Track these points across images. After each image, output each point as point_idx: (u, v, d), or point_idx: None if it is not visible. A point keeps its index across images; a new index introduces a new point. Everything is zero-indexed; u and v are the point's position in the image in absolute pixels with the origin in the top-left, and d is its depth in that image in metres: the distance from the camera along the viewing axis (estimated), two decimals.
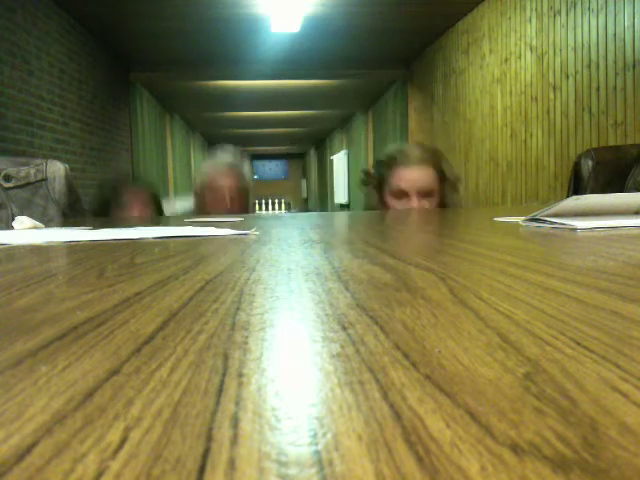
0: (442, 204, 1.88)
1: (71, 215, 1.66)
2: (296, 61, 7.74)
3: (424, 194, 1.82)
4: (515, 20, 5.06)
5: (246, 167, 2.15)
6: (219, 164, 2.11)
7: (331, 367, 0.20)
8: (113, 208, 2.05)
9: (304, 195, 22.24)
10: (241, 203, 2.08)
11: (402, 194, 1.82)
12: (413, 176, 1.82)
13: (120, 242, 0.79)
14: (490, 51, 5.59)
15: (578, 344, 0.22)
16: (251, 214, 2.21)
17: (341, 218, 1.55)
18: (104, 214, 2.03)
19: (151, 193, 2.16)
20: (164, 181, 9.60)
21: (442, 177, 1.86)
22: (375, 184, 1.89)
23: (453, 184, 1.89)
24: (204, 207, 2.08)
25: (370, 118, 11.03)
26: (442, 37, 6.80)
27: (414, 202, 1.80)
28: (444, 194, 1.87)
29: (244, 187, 2.10)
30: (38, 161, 1.66)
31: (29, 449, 0.14)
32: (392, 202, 1.84)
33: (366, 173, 1.95)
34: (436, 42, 6.99)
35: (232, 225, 1.06)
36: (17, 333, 0.26)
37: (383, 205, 1.89)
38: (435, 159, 1.86)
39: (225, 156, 2.13)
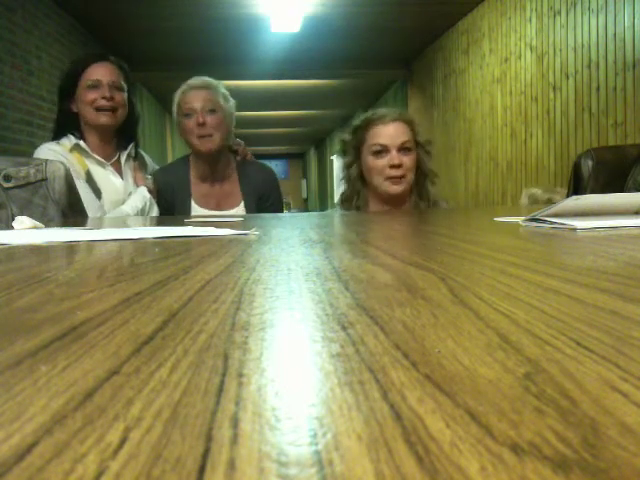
0: (419, 171, 1.88)
1: (71, 215, 1.66)
2: (296, 61, 7.74)
3: (404, 150, 1.83)
4: (515, 20, 5.06)
5: (223, 88, 2.06)
6: (188, 86, 2.04)
7: (331, 367, 0.20)
8: None
9: (304, 195, 22.24)
10: (216, 124, 2.00)
11: (382, 150, 1.83)
12: (391, 131, 1.84)
13: (120, 242, 0.79)
14: (490, 51, 5.60)
15: (578, 344, 0.22)
16: (236, 148, 2.15)
17: (341, 218, 1.56)
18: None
19: None
20: None
21: (416, 141, 1.87)
22: (352, 151, 1.90)
23: (426, 149, 1.91)
24: (185, 135, 2.03)
25: None
26: (442, 37, 6.80)
27: (395, 158, 1.81)
28: (420, 160, 1.88)
29: (219, 107, 2.02)
30: (38, 161, 1.66)
31: (29, 449, 0.14)
32: (373, 163, 1.84)
33: (343, 141, 1.96)
34: (436, 42, 6.99)
35: (232, 225, 1.06)
36: (17, 333, 0.26)
37: (360, 172, 1.89)
38: (409, 119, 1.89)
39: (197, 78, 2.06)
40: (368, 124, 1.87)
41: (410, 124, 1.88)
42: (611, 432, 0.14)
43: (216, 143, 2.01)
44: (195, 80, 2.05)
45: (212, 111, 2.01)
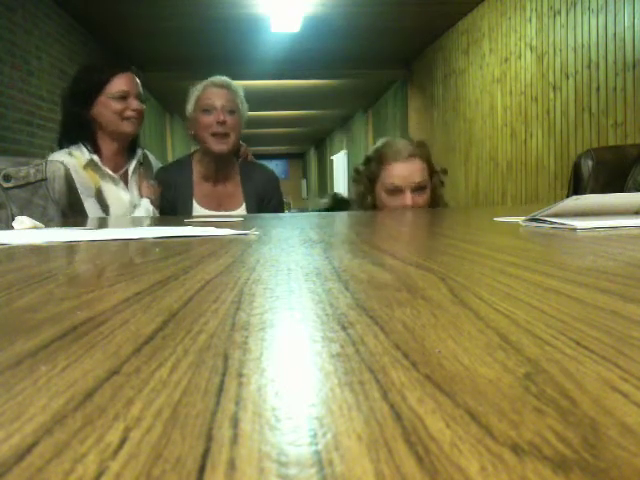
0: (433, 200, 1.88)
1: (71, 215, 1.66)
2: (296, 61, 7.74)
3: (418, 189, 1.83)
4: (515, 20, 5.06)
5: (241, 91, 2.08)
6: (211, 82, 2.05)
7: (331, 367, 0.20)
8: None
9: (304, 195, 22.25)
10: (234, 125, 2.02)
11: (396, 191, 1.82)
12: (405, 172, 1.83)
13: (120, 242, 0.79)
14: (490, 51, 5.60)
15: (578, 344, 0.22)
16: (243, 151, 2.17)
17: (341, 218, 1.56)
18: None
19: None
20: None
21: (431, 170, 1.87)
22: (366, 182, 1.89)
23: (440, 178, 1.91)
24: (199, 131, 2.03)
25: (370, 118, 11.03)
26: (442, 37, 6.80)
27: (408, 199, 1.81)
28: (434, 188, 1.88)
29: (238, 109, 2.04)
30: (38, 161, 1.66)
31: (29, 449, 0.14)
32: (386, 200, 1.85)
33: (356, 170, 1.95)
34: (436, 42, 6.99)
35: (232, 225, 1.06)
36: (17, 333, 0.26)
37: (374, 203, 1.89)
38: (424, 152, 1.87)
39: (219, 77, 2.07)
40: (382, 159, 1.84)
41: (426, 159, 1.86)
42: (611, 432, 0.14)
43: (230, 144, 2.02)
44: (217, 78, 2.06)
45: (231, 112, 2.02)
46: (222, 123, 1.99)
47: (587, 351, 0.21)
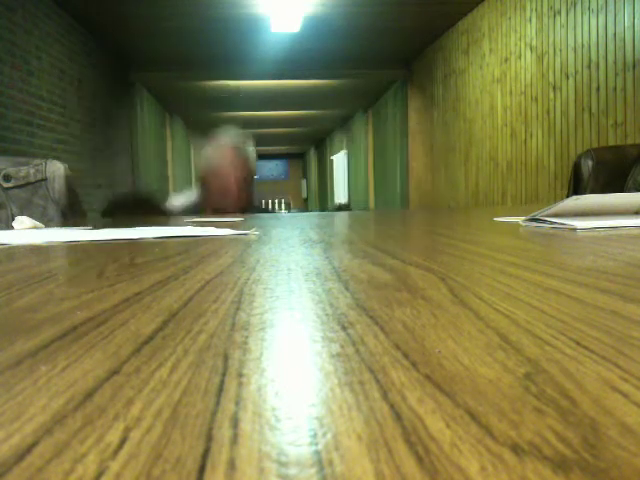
0: None
1: (70, 215, 1.66)
2: (296, 61, 7.74)
3: None
4: (515, 20, 5.06)
5: (251, 150, 2.09)
6: (224, 149, 2.05)
7: (331, 367, 0.20)
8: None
9: (304, 195, 22.25)
10: (248, 193, 2.05)
11: None
12: None
13: (120, 242, 0.79)
14: (490, 51, 5.59)
15: (578, 344, 0.22)
16: (256, 205, 2.19)
17: (341, 218, 1.55)
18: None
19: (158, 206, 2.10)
20: (164, 181, 9.61)
21: None
22: None
23: None
24: (210, 196, 2.03)
25: (370, 118, 11.02)
26: (442, 37, 6.80)
27: None
28: None
29: (250, 175, 2.06)
30: (38, 161, 1.66)
31: (29, 449, 0.14)
32: None
33: None
34: (436, 42, 6.99)
35: (232, 225, 1.06)
36: (17, 333, 0.26)
37: None
38: None
39: (229, 140, 2.07)
40: None
41: None
42: (611, 432, 0.14)
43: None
44: (228, 141, 2.07)
45: (246, 179, 2.06)
46: (234, 197, 2.03)
47: (587, 351, 0.21)
